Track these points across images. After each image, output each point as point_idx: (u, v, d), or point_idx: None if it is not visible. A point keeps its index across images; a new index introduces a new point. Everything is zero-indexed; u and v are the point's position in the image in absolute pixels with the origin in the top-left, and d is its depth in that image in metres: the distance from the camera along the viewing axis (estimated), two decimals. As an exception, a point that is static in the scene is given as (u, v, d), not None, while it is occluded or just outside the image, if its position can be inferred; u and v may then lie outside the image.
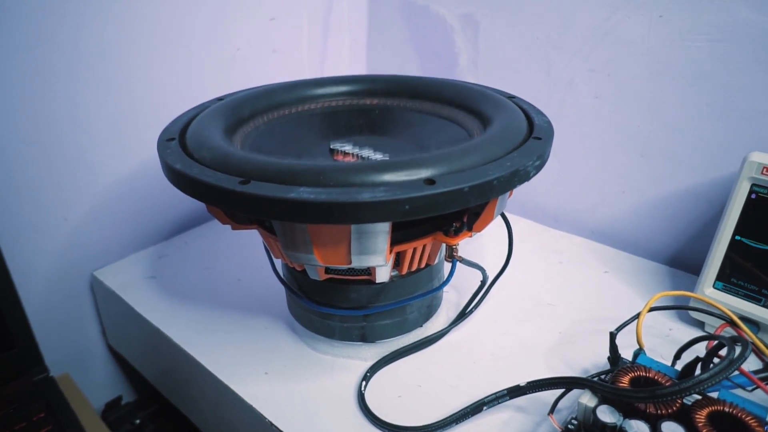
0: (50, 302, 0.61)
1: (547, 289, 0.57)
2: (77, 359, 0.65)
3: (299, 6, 0.73)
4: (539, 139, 0.39)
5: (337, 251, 0.36)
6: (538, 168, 0.37)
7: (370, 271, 0.41)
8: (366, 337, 0.46)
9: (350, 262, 0.36)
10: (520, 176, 0.35)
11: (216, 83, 0.67)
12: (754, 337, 0.40)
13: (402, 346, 0.47)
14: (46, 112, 0.55)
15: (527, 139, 0.39)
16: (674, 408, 0.34)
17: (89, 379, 0.65)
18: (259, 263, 0.61)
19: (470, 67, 0.73)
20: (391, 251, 0.39)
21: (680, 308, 0.48)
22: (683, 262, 0.62)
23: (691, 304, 0.48)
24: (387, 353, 0.46)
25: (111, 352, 0.68)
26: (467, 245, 0.64)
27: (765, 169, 0.45)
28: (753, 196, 0.46)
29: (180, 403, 0.58)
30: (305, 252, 0.36)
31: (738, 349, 0.33)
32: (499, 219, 0.47)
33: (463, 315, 0.50)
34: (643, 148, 0.61)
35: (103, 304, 0.64)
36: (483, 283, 0.48)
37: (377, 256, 0.36)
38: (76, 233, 0.61)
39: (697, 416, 0.33)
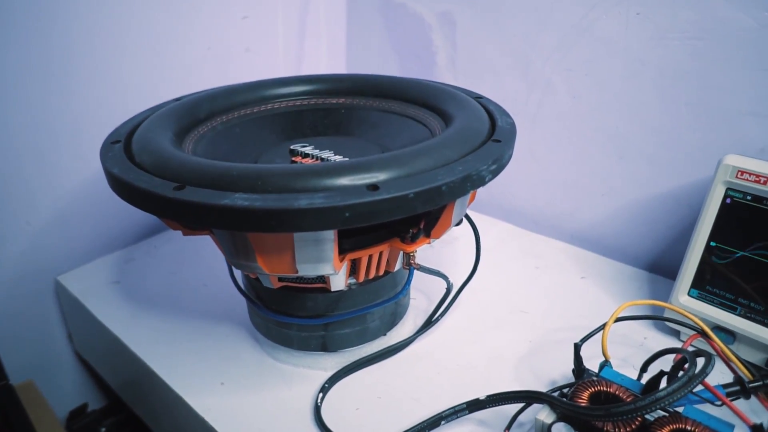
0: (14, 308, 0.60)
1: (521, 296, 0.55)
2: (43, 365, 0.63)
3: (274, 4, 0.71)
4: (498, 141, 0.37)
5: (282, 260, 0.34)
6: (495, 172, 0.35)
7: (324, 279, 0.39)
8: (326, 346, 0.44)
9: (297, 271, 0.35)
10: (473, 181, 0.33)
11: (185, 83, 0.65)
12: (725, 348, 0.38)
13: (363, 356, 0.45)
14: (2, 114, 0.53)
15: (486, 141, 0.37)
16: (634, 425, 0.32)
17: (55, 385, 0.64)
18: (226, 268, 0.59)
19: (448, 66, 0.71)
20: (342, 259, 0.37)
21: (650, 318, 0.46)
22: (663, 267, 0.60)
23: (665, 314, 0.46)
24: (347, 363, 0.45)
25: (78, 357, 0.66)
26: (440, 250, 0.62)
27: (740, 173, 0.43)
28: (728, 200, 0.44)
29: (142, 413, 0.56)
30: (249, 260, 0.34)
31: (700, 364, 0.31)
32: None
33: (428, 324, 0.48)
34: (623, 150, 0.59)
35: (67, 310, 0.62)
36: (448, 290, 0.46)
37: (325, 265, 0.34)
38: (40, 237, 0.60)
39: (657, 435, 0.31)
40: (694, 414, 0.33)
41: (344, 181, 0.31)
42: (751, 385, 0.36)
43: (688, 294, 0.46)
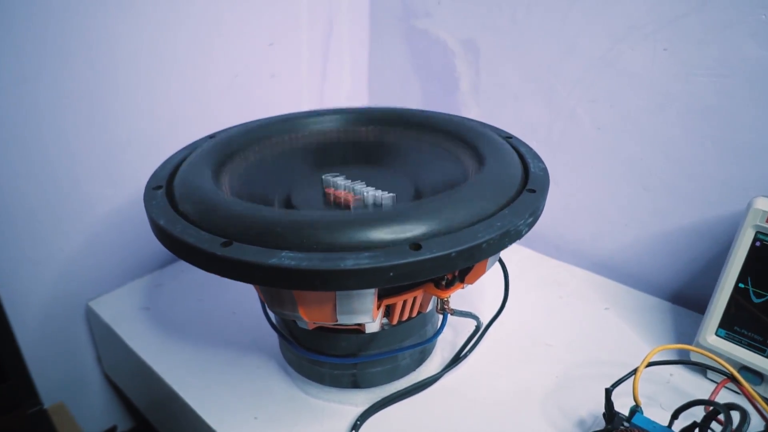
0: (45, 331, 0.61)
1: (546, 328, 0.55)
2: (73, 387, 0.65)
3: (299, 30, 0.72)
4: (533, 192, 0.38)
5: (323, 311, 0.35)
6: (531, 225, 0.36)
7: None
8: (357, 383, 0.45)
9: (336, 320, 0.36)
10: (511, 236, 0.34)
11: (213, 109, 0.66)
12: (756, 395, 0.39)
13: (394, 391, 0.46)
14: (38, 143, 0.54)
15: (521, 190, 0.38)
16: (669, 479, 0.32)
17: (85, 407, 0.65)
18: (254, 296, 0.60)
19: (471, 92, 0.72)
20: (379, 306, 0.38)
21: (679, 363, 0.47)
22: (686, 299, 0.60)
23: (692, 357, 0.46)
24: (378, 399, 0.46)
25: (107, 379, 0.67)
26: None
27: (770, 217, 0.43)
28: (758, 243, 0.44)
29: (172, 439, 0.57)
30: (291, 311, 0.35)
31: (735, 420, 0.32)
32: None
33: (457, 359, 0.49)
34: (646, 181, 0.60)
35: (98, 334, 0.64)
36: (477, 328, 0.47)
37: (364, 315, 0.35)
38: (72, 263, 0.61)
39: (692, 491, 0.32)
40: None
41: (387, 234, 0.32)
42: (781, 434, 0.37)
43: (716, 334, 0.47)
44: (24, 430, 0.54)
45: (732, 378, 0.40)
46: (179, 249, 0.34)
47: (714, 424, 0.35)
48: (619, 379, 0.40)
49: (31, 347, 0.56)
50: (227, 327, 0.56)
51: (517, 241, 0.35)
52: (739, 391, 0.40)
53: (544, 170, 0.41)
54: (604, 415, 0.40)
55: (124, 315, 0.59)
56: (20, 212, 0.56)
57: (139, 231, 0.65)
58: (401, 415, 0.45)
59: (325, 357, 0.43)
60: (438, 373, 0.48)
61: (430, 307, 0.43)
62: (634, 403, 0.39)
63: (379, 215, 0.34)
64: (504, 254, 0.50)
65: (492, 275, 0.62)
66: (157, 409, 0.58)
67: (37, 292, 0.60)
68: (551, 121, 0.65)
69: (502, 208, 0.36)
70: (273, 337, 0.53)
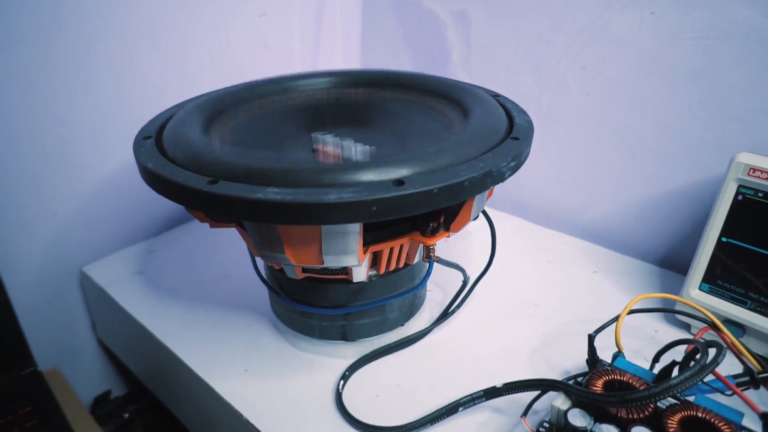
0: (40, 298, 0.62)
1: (534, 289, 0.56)
2: (67, 353, 0.65)
3: (291, 2, 0.72)
4: (517, 139, 0.38)
5: (309, 251, 0.35)
6: (514, 169, 0.36)
7: (347, 270, 0.40)
8: (346, 335, 0.46)
9: (322, 262, 0.36)
10: (494, 177, 0.34)
11: (205, 79, 0.66)
12: (735, 340, 0.39)
13: (382, 345, 0.47)
14: (28, 109, 0.55)
15: (505, 138, 0.39)
16: (647, 412, 0.33)
17: (79, 373, 0.66)
18: (246, 260, 0.61)
19: (462, 63, 0.72)
20: (365, 251, 0.38)
21: (662, 311, 0.47)
22: (674, 263, 0.61)
23: (677, 307, 0.47)
24: (367, 352, 0.46)
25: (101, 346, 0.68)
26: (455, 244, 0.63)
27: (752, 170, 0.44)
28: (740, 197, 0.45)
29: (165, 399, 0.58)
30: (278, 252, 0.36)
31: (711, 354, 0.32)
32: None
33: (445, 315, 0.50)
34: (635, 148, 0.60)
35: (92, 300, 0.64)
36: (464, 283, 0.47)
37: (350, 257, 0.36)
38: (65, 229, 0.61)
39: (669, 421, 0.32)
40: (705, 402, 0.34)
41: (371, 176, 0.32)
42: (760, 375, 0.37)
43: (699, 288, 0.48)
44: (19, 390, 0.55)
45: (713, 326, 0.41)
46: (167, 189, 0.34)
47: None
48: (602, 325, 0.41)
49: (25, 313, 0.57)
50: (219, 289, 0.57)
51: (501, 183, 0.35)
52: (721, 341, 0.40)
53: (529, 122, 0.42)
54: (587, 361, 0.41)
55: (117, 279, 0.60)
56: (13, 178, 0.56)
57: (131, 199, 0.66)
58: (389, 368, 0.46)
59: (314, 308, 0.44)
60: (426, 329, 0.48)
61: (417, 259, 0.44)
62: (616, 350, 0.40)
63: (362, 162, 0.34)
64: (495, 222, 0.51)
65: (480, 240, 0.63)
66: (151, 371, 0.59)
67: (31, 258, 0.60)
68: (541, 91, 0.66)
69: (485, 153, 0.36)
70: (264, 298, 0.54)
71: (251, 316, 0.52)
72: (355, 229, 0.34)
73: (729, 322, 0.46)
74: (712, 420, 0.32)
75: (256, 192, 0.31)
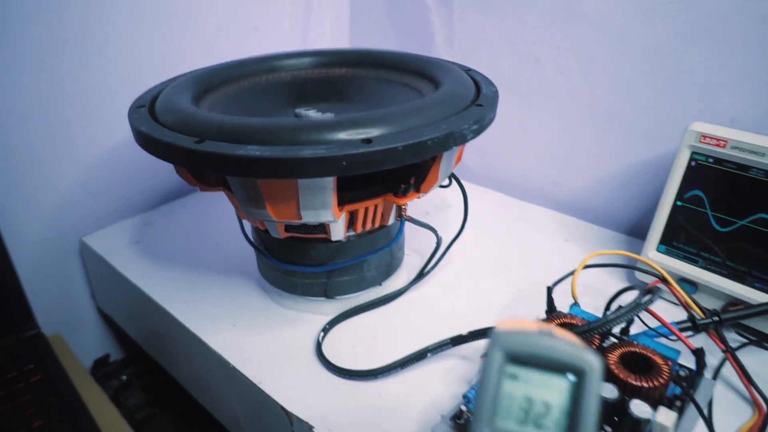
0: (41, 266, 0.65)
1: (508, 255, 0.60)
2: (68, 320, 0.69)
3: (281, -16, 0.75)
4: (481, 106, 0.42)
5: (288, 207, 0.39)
6: (476, 132, 0.40)
7: (325, 228, 0.44)
8: (327, 292, 0.49)
9: (301, 218, 0.40)
10: (456, 138, 0.38)
11: (198, 61, 0.69)
12: (682, 292, 0.43)
13: (361, 302, 0.50)
14: (35, 86, 0.58)
15: (470, 105, 0.42)
16: (592, 348, 0.37)
17: (79, 338, 0.70)
18: (236, 229, 0.64)
19: (446, 46, 0.75)
20: (341, 210, 0.42)
21: (615, 266, 0.50)
22: (643, 232, 0.64)
23: (634, 263, 0.50)
24: (346, 309, 0.50)
25: (100, 314, 0.72)
26: (433, 215, 0.67)
27: (703, 137, 0.47)
28: (693, 163, 0.48)
29: (161, 359, 0.62)
30: (260, 208, 0.39)
31: (648, 297, 0.36)
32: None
33: (421, 275, 0.53)
34: (608, 123, 0.64)
35: (91, 268, 0.68)
36: (438, 244, 0.51)
37: (326, 212, 0.39)
38: (66, 201, 0.65)
39: (610, 356, 0.36)
40: (646, 342, 0.38)
41: (342, 135, 0.36)
42: (701, 322, 0.41)
43: (657, 249, 0.51)
44: (22, 351, 0.59)
45: (663, 279, 0.44)
46: (159, 149, 0.38)
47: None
48: (560, 278, 0.45)
49: (28, 281, 0.60)
50: (212, 256, 0.60)
51: (463, 144, 0.39)
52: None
53: (495, 92, 0.45)
54: (546, 311, 0.44)
55: (116, 248, 0.63)
56: (17, 153, 0.60)
57: (130, 173, 0.69)
58: (368, 323, 0.50)
59: (297, 266, 0.48)
60: (403, 288, 0.52)
61: (391, 221, 0.47)
62: (573, 301, 0.44)
63: (335, 120, 0.38)
64: (473, 196, 0.54)
65: (459, 212, 0.66)
66: (147, 333, 0.62)
67: (34, 228, 0.64)
68: (520, 71, 0.69)
69: (450, 117, 0.40)
70: (253, 263, 0.57)
71: (240, 279, 0.56)
72: (329, 184, 0.38)
73: (683, 281, 0.50)
74: (649, 354, 0.36)
75: (238, 149, 0.35)
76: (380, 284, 0.52)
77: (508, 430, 0.17)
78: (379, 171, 0.38)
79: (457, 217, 0.66)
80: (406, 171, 0.43)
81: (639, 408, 0.33)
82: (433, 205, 0.69)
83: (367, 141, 0.35)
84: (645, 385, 0.34)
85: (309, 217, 0.40)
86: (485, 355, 0.39)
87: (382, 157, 0.35)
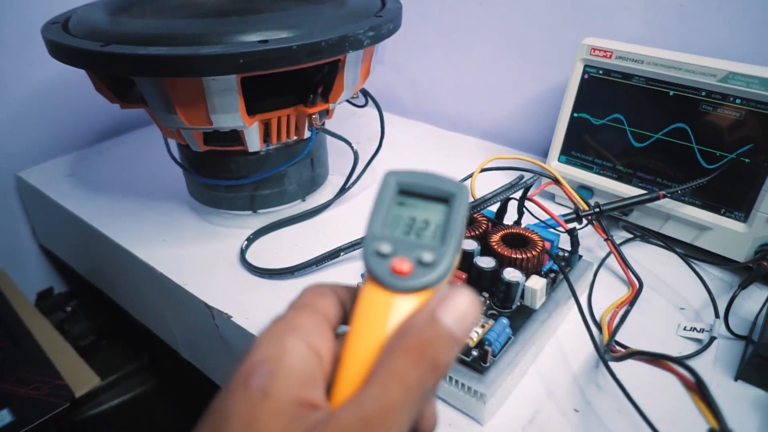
0: (-21, 203, 0.66)
1: (429, 176, 0.63)
2: (10, 256, 0.70)
3: None
4: (380, 17, 0.44)
5: (198, 111, 0.41)
6: (373, 39, 0.42)
7: (241, 139, 0.47)
8: (251, 205, 0.52)
9: (211, 122, 0.42)
10: (351, 42, 0.41)
11: None
12: (570, 188, 0.47)
13: (284, 216, 0.54)
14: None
15: (369, 16, 0.45)
16: (478, 232, 0.41)
17: (23, 273, 0.71)
18: (170, 160, 0.66)
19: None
20: (253, 118, 0.44)
21: (514, 169, 0.54)
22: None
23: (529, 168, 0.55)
24: (270, 222, 0.53)
25: (41, 249, 0.73)
26: (365, 146, 0.70)
27: (593, 50, 0.51)
28: (586, 76, 0.52)
29: (102, 285, 0.64)
30: (172, 113, 0.42)
31: (520, 180, 0.40)
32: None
33: (342, 191, 0.56)
34: (523, 51, 0.67)
35: (29, 203, 0.69)
36: (355, 158, 0.54)
37: (234, 115, 0.42)
38: (-2, 136, 0.66)
39: (493, 236, 0.40)
40: (535, 229, 0.42)
41: (242, 38, 0.38)
42: (584, 213, 0.45)
43: (558, 160, 0.55)
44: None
45: (555, 180, 0.49)
46: (67, 55, 0.39)
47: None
48: (463, 178, 0.48)
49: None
50: (146, 185, 0.63)
51: (359, 49, 0.42)
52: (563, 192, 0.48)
53: (398, 8, 0.48)
54: (449, 211, 0.48)
55: (51, 180, 0.65)
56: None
57: (64, 110, 0.70)
58: (291, 235, 0.53)
59: (220, 180, 0.50)
60: (325, 203, 0.55)
61: (307, 134, 0.50)
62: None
63: (235, 24, 0.40)
64: (404, 129, 0.57)
65: (386, 144, 0.70)
66: (86, 261, 0.65)
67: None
68: (443, 3, 0.71)
69: (347, 24, 0.42)
70: (184, 187, 0.59)
71: (172, 202, 0.59)
72: (233, 86, 0.40)
73: (582, 187, 0.54)
74: (527, 234, 0.40)
75: (142, 50, 0.37)
76: (303, 199, 0.55)
77: (394, 236, 0.20)
78: (288, 79, 0.40)
79: (385, 147, 0.69)
80: (315, 82, 0.46)
81: (510, 274, 0.37)
82: (365, 136, 0.72)
83: (264, 41, 0.38)
84: (519, 257, 0.38)
85: (219, 122, 0.42)
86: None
87: (277, 56, 0.38)
